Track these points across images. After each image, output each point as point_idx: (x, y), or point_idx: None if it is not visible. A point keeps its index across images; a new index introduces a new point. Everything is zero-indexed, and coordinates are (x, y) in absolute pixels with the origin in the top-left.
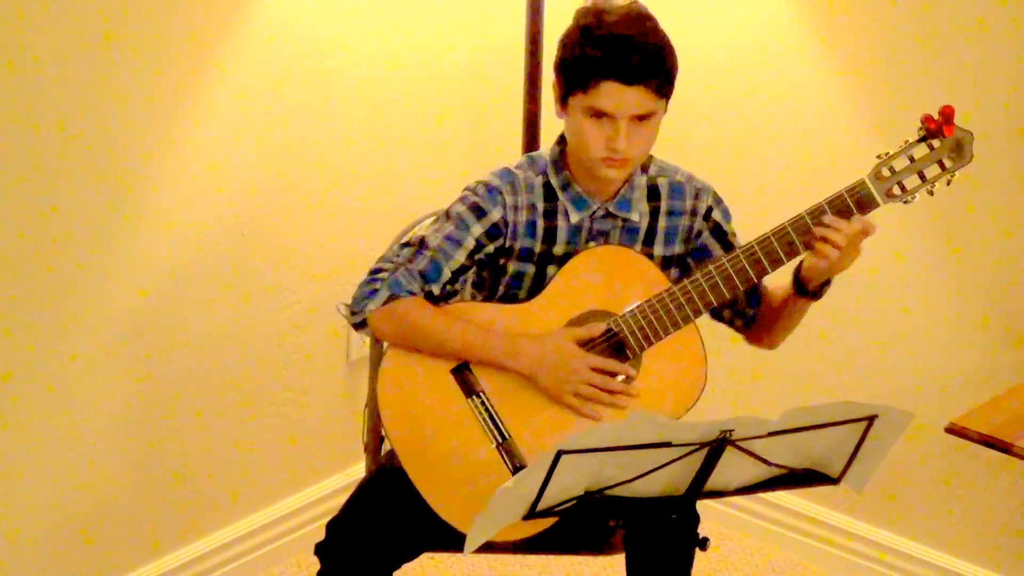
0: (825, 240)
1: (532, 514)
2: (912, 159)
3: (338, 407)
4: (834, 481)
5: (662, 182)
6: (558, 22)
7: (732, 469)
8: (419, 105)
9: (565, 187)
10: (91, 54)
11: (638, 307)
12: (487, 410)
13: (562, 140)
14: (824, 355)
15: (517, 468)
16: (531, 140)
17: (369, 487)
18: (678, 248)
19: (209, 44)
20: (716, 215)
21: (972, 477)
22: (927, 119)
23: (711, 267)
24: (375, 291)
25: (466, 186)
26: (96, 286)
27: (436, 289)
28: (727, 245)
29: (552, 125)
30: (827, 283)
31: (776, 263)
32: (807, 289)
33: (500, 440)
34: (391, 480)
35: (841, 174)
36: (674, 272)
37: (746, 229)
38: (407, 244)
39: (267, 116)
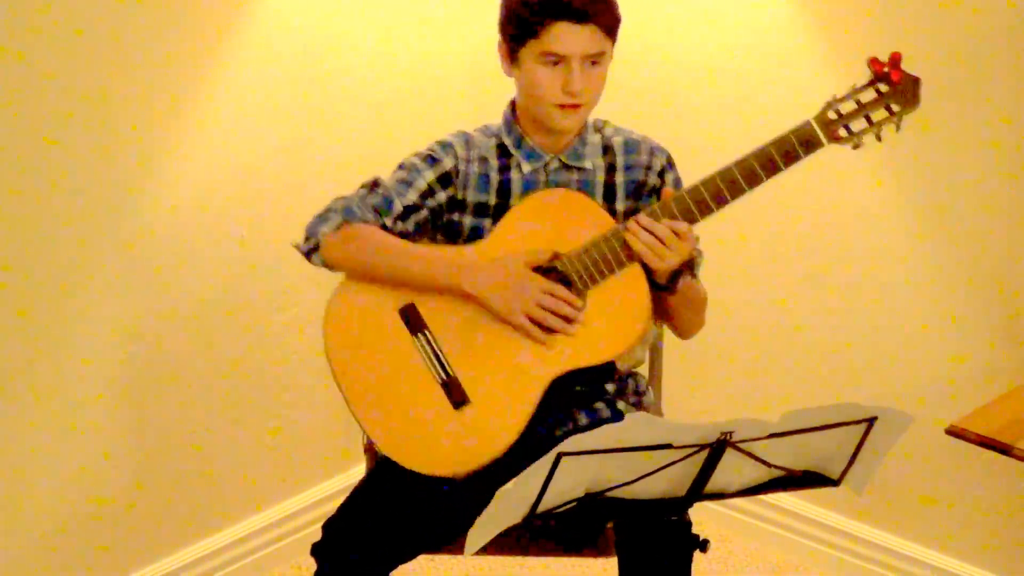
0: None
1: (532, 515)
2: (860, 103)
3: (338, 409)
4: (834, 483)
5: (617, 140)
6: None
7: (732, 471)
8: (419, 105)
9: (518, 143)
10: (91, 54)
11: (584, 246)
12: (431, 348)
13: (512, 105)
14: (824, 356)
15: (458, 404)
16: None
17: (366, 487)
18: (633, 202)
19: (210, 45)
20: (669, 177)
21: (973, 479)
22: (873, 62)
23: (656, 207)
24: (328, 218)
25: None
26: (95, 287)
27: (388, 221)
28: None
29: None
30: (677, 276)
31: (722, 202)
32: (657, 284)
33: (444, 377)
34: (388, 480)
35: (836, 170)
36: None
37: (743, 221)
38: (362, 187)
39: (267, 117)
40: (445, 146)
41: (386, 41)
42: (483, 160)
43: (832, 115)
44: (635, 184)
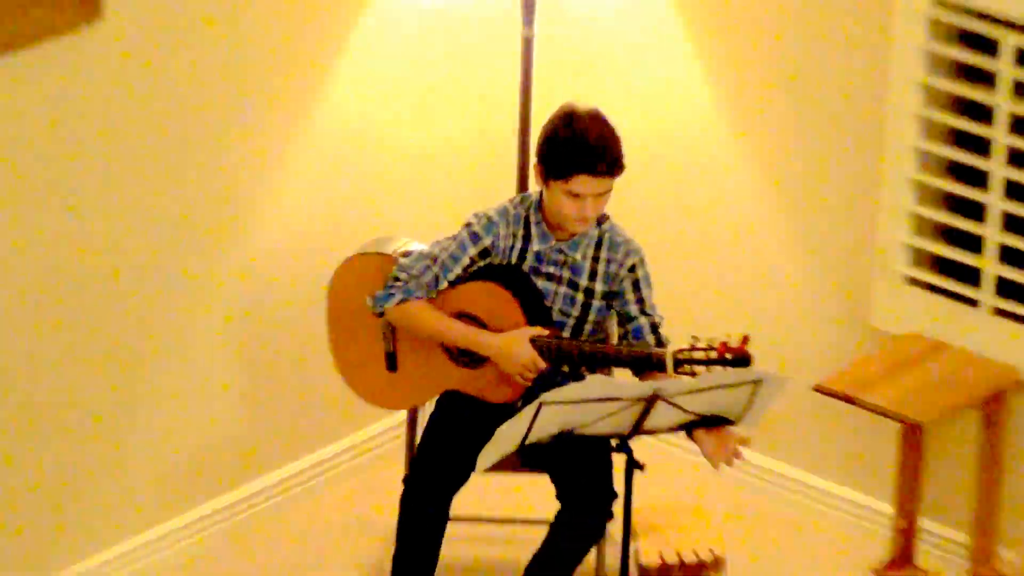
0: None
1: (523, 445)
2: (708, 359)
3: None
4: (733, 422)
5: (607, 238)
6: (544, 97)
7: (662, 415)
8: (440, 171)
9: (538, 223)
10: (218, 113)
11: (566, 338)
12: (392, 331)
13: (541, 193)
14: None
15: (389, 368)
16: (522, 186)
17: (430, 432)
18: (608, 287)
19: (297, 117)
20: (639, 273)
21: (832, 420)
22: (722, 345)
23: (595, 344)
24: (392, 294)
25: (475, 212)
26: (215, 282)
27: (435, 294)
28: (639, 299)
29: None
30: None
31: (564, 357)
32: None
33: (390, 349)
34: (448, 424)
35: (717, 171)
36: (601, 302)
37: (670, 269)
38: (422, 255)
39: (339, 172)
40: (491, 224)
41: (419, 119)
42: (513, 233)
43: (683, 358)
44: (610, 274)
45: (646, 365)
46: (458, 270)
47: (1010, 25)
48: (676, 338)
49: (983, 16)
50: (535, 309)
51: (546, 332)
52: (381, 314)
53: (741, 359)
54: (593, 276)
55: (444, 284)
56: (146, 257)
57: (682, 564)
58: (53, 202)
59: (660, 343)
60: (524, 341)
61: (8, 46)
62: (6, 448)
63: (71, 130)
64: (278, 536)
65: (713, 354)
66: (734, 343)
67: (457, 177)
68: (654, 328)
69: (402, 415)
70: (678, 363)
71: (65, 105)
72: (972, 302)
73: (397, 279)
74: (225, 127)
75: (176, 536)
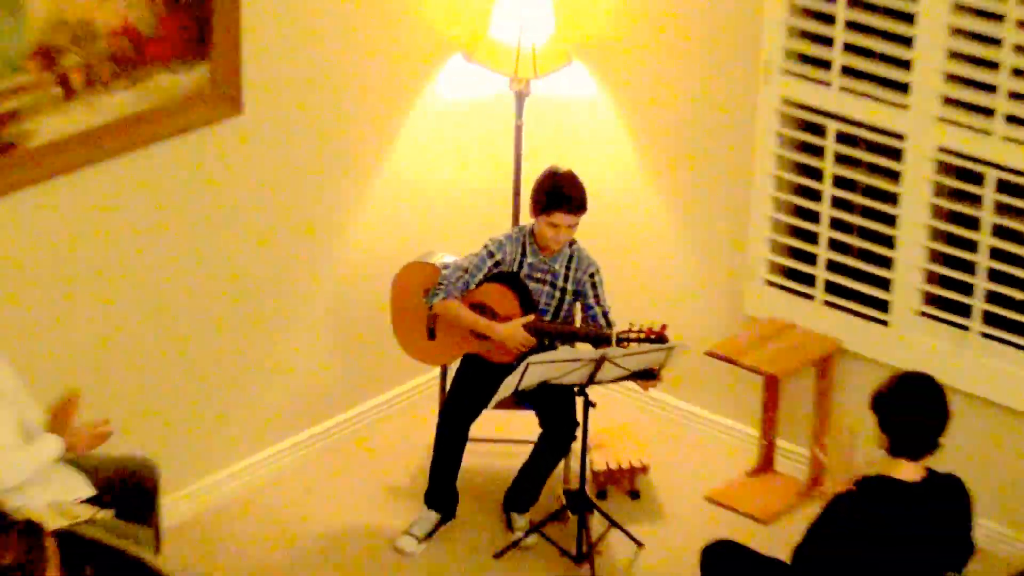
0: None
1: (517, 389)
2: (639, 339)
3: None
4: (656, 375)
5: (575, 255)
6: (531, 164)
7: (608, 371)
8: (464, 204)
9: (531, 244)
10: (323, 175)
11: (547, 322)
12: (434, 319)
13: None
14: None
15: (430, 337)
16: (515, 220)
17: (456, 381)
18: (575, 288)
19: (372, 174)
20: (596, 279)
21: (719, 373)
22: (648, 331)
23: (566, 326)
24: (437, 294)
25: (490, 237)
26: (320, 279)
27: (465, 293)
28: (596, 296)
29: (525, 211)
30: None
31: (544, 333)
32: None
33: (431, 324)
34: (469, 374)
35: (661, 252)
36: (571, 298)
37: (614, 275)
38: (457, 267)
39: (397, 210)
40: (501, 244)
41: (448, 177)
42: (515, 251)
43: (623, 336)
44: (577, 279)
45: (599, 340)
46: (480, 276)
47: (832, 116)
48: (618, 322)
49: (815, 110)
50: (527, 302)
51: (532, 317)
52: (431, 306)
53: (660, 338)
54: (566, 280)
55: (472, 286)
56: (278, 263)
57: (620, 468)
58: (221, 233)
59: (608, 326)
60: (519, 327)
61: (173, 133)
62: (176, 384)
63: (226, 185)
64: (358, 450)
65: (642, 334)
66: (656, 327)
67: (474, 213)
68: (605, 316)
69: (437, 370)
70: (619, 340)
71: (215, 173)
72: (810, 297)
73: (441, 284)
74: (328, 184)
75: (288, 451)
